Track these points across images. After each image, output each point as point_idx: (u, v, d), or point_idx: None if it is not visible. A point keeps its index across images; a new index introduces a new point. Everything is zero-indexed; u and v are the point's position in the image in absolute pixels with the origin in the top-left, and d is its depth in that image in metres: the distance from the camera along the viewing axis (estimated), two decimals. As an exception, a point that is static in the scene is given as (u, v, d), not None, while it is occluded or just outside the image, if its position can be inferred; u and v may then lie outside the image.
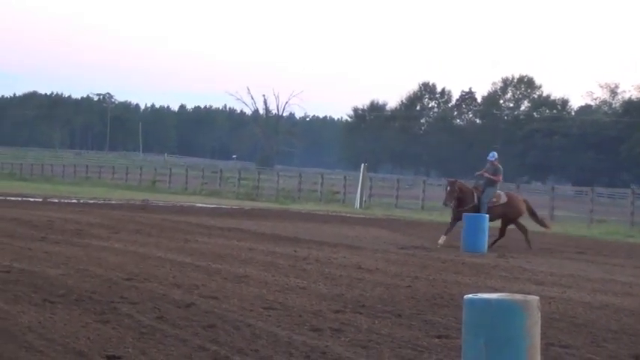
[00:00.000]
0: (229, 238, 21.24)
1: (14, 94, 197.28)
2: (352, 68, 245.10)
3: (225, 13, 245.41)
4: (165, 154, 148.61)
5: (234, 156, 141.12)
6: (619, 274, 17.35)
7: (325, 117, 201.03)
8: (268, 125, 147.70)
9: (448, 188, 22.81)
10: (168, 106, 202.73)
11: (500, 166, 23.10)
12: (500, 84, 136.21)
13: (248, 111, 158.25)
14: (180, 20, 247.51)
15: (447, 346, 8.92)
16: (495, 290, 13.22)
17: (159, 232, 22.16)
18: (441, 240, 22.10)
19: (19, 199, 37.47)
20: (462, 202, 22.49)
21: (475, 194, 22.60)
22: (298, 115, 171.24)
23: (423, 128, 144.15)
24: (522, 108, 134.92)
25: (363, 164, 48.64)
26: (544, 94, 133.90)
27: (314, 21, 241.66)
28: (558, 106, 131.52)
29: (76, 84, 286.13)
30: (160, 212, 31.33)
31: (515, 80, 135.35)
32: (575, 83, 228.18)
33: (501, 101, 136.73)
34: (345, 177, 55.79)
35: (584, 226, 35.36)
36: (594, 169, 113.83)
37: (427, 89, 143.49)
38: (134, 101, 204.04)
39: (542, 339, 6.18)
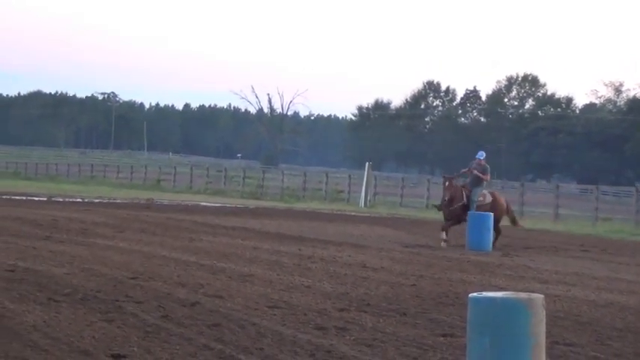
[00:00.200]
0: (234, 237, 21.25)
1: (19, 94, 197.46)
2: (357, 67, 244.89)
3: (229, 12, 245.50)
4: (170, 153, 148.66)
5: (238, 155, 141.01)
6: (624, 272, 17.35)
7: (330, 116, 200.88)
8: (273, 124, 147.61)
9: (447, 184, 22.83)
10: (172, 105, 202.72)
11: (487, 166, 23.15)
12: (504, 82, 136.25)
13: (252, 110, 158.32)
14: (184, 19, 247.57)
15: (451, 344, 8.92)
16: (500, 289, 13.24)
17: (163, 231, 22.18)
18: (443, 236, 21.99)
19: (24, 198, 37.51)
20: (452, 201, 22.57)
21: (464, 193, 22.66)
22: (303, 113, 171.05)
23: (427, 127, 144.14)
24: (527, 106, 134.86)
25: (367, 163, 48.59)
26: (548, 93, 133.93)
27: (318, 20, 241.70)
28: (563, 104, 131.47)
29: (80, 83, 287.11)
30: (165, 211, 31.35)
31: (519, 78, 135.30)
32: (579, 81, 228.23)
33: (506, 99, 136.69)
34: (349, 176, 55.78)
35: (589, 224, 35.33)
36: (599, 167, 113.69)
37: (432, 88, 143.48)
38: (139, 100, 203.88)
39: (547, 337, 6.17)
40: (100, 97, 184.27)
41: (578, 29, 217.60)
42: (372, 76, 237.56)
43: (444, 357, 8.41)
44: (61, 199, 37.81)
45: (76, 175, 73.30)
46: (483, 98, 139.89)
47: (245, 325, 9.52)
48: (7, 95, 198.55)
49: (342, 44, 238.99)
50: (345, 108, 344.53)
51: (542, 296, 6.08)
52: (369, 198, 46.44)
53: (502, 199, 23.56)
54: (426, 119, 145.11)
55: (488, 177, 23.26)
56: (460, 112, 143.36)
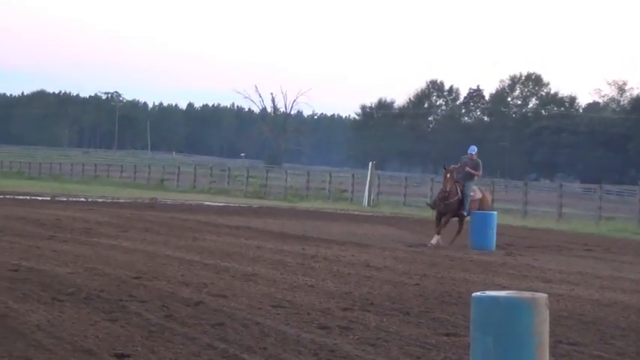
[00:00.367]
0: (237, 237, 21.26)
1: (22, 93, 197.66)
2: (360, 66, 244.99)
3: (233, 11, 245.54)
4: (174, 153, 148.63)
5: (242, 154, 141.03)
6: (627, 271, 17.34)
7: (333, 115, 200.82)
8: (276, 123, 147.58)
9: (448, 175, 22.78)
10: (176, 105, 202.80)
11: (479, 161, 23.14)
12: (508, 81, 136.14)
13: (256, 109, 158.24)
14: (188, 19, 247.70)
15: (455, 344, 8.92)
16: (503, 288, 13.24)
17: (167, 230, 22.19)
18: (434, 240, 21.83)
19: (28, 197, 37.51)
20: (450, 194, 22.58)
21: (458, 188, 22.68)
22: (306, 113, 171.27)
23: (430, 126, 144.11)
24: (530, 105, 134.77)
25: (371, 162, 48.56)
26: (552, 92, 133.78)
27: (322, 19, 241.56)
28: (566, 103, 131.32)
29: (84, 83, 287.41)
30: (169, 211, 31.36)
31: (522, 78, 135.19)
32: (583, 80, 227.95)
33: (509, 99, 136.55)
34: (353, 175, 55.73)
35: (593, 223, 35.30)
36: (602, 166, 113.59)
37: (435, 87, 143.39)
38: (142, 100, 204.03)
39: (550, 336, 6.17)
40: (104, 97, 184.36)
41: (581, 28, 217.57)
42: (376, 75, 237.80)
43: (447, 356, 8.42)
44: (64, 199, 37.82)
45: (79, 175, 73.28)
46: (487, 97, 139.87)
47: (249, 324, 9.52)
48: (11, 95, 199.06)
49: (346, 43, 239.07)
50: (348, 107, 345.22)
51: (545, 295, 6.08)
52: (372, 197, 46.43)
53: (489, 195, 25.40)
54: (430, 118, 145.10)
55: (480, 172, 23.28)
56: (463, 111, 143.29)
